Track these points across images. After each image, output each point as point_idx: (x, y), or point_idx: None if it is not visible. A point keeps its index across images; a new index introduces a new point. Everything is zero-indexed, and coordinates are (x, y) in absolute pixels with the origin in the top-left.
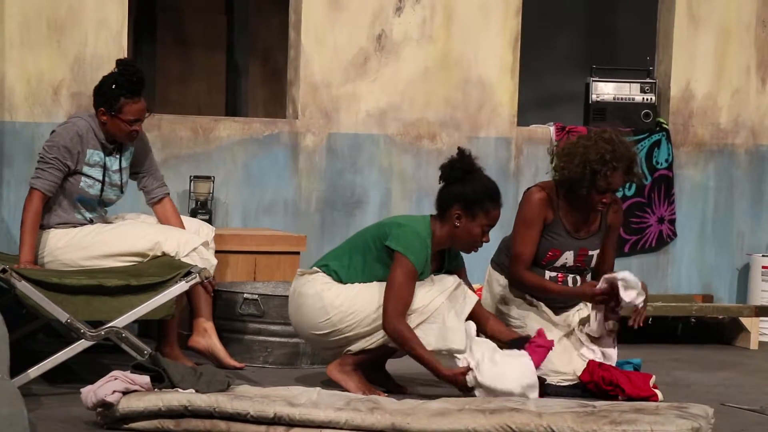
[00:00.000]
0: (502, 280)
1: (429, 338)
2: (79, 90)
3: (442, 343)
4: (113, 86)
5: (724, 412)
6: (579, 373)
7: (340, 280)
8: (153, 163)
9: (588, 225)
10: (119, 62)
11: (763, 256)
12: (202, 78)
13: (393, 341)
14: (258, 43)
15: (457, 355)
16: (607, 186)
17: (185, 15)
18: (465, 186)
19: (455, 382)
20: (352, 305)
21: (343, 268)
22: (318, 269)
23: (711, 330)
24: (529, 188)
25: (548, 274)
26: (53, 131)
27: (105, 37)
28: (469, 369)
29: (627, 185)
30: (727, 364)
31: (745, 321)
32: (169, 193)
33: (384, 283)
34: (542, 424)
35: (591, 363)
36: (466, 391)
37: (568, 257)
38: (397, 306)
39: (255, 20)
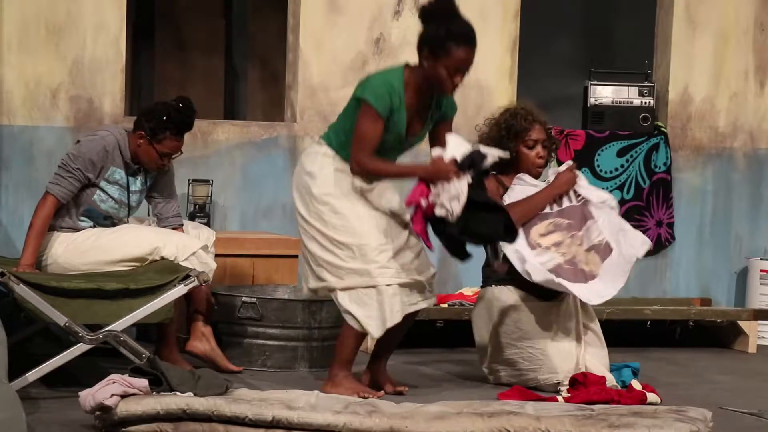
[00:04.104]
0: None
1: (371, 315)
2: (77, 93)
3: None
4: (164, 118)
5: (722, 416)
6: (572, 373)
7: (331, 145)
8: (172, 192)
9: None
10: (181, 99)
11: (761, 259)
12: (200, 81)
13: (362, 175)
14: (256, 46)
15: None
16: (528, 135)
17: (184, 19)
18: (433, 27)
19: (439, 169)
20: (357, 231)
21: (335, 134)
22: (322, 140)
23: (709, 334)
24: None
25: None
26: (78, 141)
27: (103, 40)
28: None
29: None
30: (726, 367)
31: (744, 324)
32: (182, 225)
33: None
34: (540, 428)
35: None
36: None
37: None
38: (360, 147)
39: (253, 24)
